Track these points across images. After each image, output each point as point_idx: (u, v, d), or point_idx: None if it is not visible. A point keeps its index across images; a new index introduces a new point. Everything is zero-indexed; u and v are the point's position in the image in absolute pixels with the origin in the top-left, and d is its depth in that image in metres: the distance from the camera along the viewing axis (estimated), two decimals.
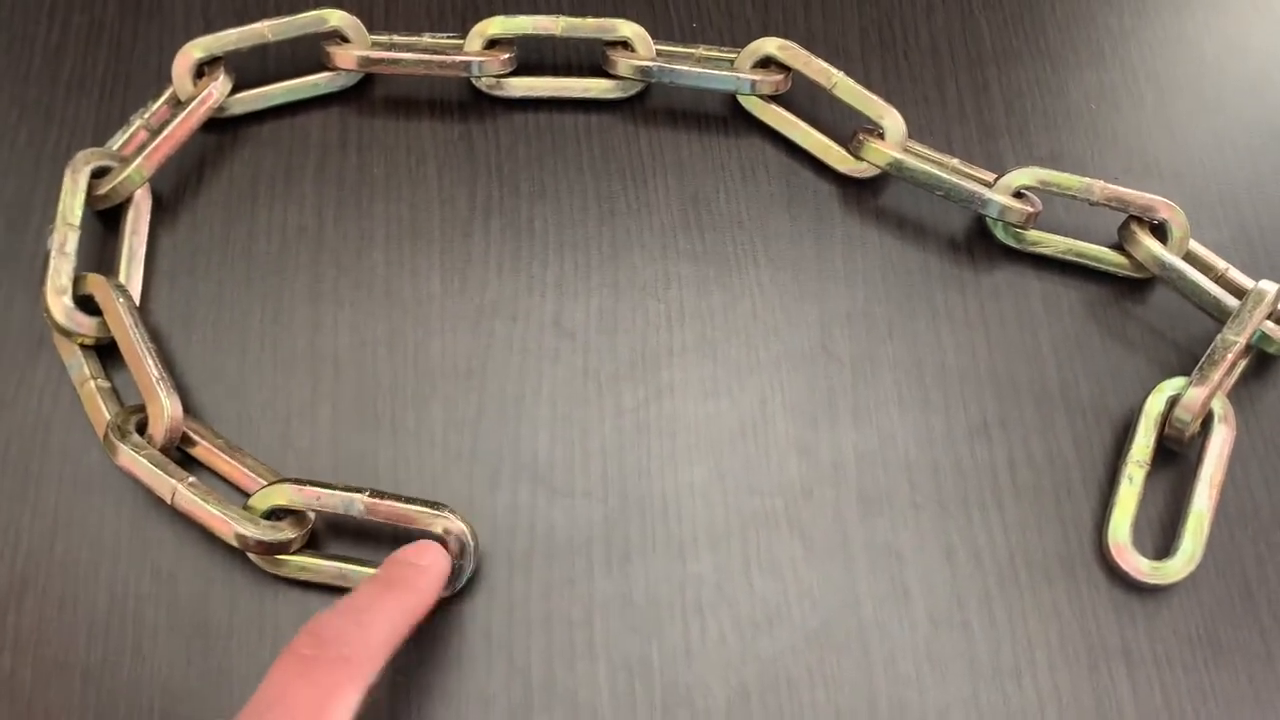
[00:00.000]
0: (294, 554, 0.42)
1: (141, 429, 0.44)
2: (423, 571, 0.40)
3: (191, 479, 0.42)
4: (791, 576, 0.44)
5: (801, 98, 0.53)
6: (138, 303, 0.46)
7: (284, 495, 0.42)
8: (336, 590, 0.43)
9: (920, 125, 0.53)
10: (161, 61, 0.53)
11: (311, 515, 0.43)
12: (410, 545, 0.41)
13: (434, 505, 0.42)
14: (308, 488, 0.42)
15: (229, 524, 0.41)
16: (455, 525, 0.42)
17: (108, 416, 0.44)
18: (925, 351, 0.48)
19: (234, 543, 0.41)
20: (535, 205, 0.51)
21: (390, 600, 0.37)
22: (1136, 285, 0.50)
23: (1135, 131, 0.54)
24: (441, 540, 0.42)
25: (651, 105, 0.53)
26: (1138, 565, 0.44)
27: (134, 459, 0.42)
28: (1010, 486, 0.46)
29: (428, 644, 0.42)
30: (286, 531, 0.42)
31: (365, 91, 0.53)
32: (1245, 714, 0.43)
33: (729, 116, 0.53)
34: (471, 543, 0.42)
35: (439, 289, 0.49)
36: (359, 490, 0.42)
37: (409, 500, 0.42)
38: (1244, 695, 0.43)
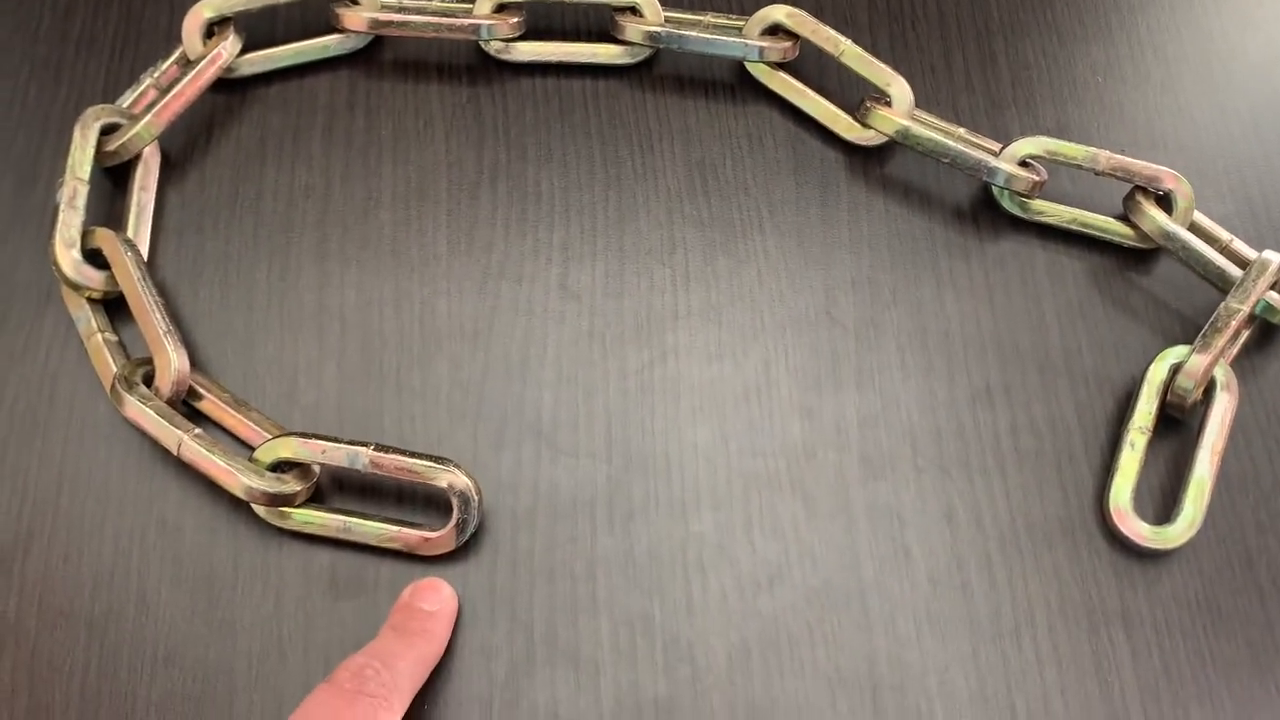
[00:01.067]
0: (298, 507, 0.43)
1: (148, 381, 0.44)
2: (438, 618, 0.41)
3: (198, 431, 0.42)
4: (793, 537, 0.44)
5: (809, 66, 0.53)
6: (146, 259, 0.47)
7: (289, 448, 0.42)
8: (340, 544, 0.43)
9: (927, 95, 0.53)
10: (171, 21, 0.53)
11: (316, 469, 0.43)
12: (422, 584, 0.42)
13: (438, 460, 0.42)
14: (313, 441, 0.42)
15: (235, 476, 0.41)
16: (459, 480, 0.42)
17: (114, 369, 0.44)
18: (929, 318, 0.48)
19: (240, 494, 0.42)
20: (542, 169, 0.51)
21: (414, 649, 0.40)
22: (1141, 256, 0.50)
23: (1141, 105, 0.54)
24: (445, 496, 0.42)
25: (659, 71, 0.53)
26: (1138, 530, 0.44)
27: (141, 410, 0.42)
28: (1012, 451, 0.46)
29: None
30: (292, 484, 0.42)
31: (373, 54, 0.53)
32: (1243, 680, 0.43)
33: (736, 84, 0.53)
34: (475, 497, 0.42)
35: (445, 250, 0.49)
36: (364, 444, 0.42)
37: (414, 455, 0.42)
38: (1242, 661, 0.43)
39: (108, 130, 0.47)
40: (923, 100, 0.52)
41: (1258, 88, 0.54)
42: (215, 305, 0.47)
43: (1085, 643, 0.43)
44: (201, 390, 0.45)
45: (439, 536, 0.42)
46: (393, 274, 0.48)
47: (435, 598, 0.42)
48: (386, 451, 0.42)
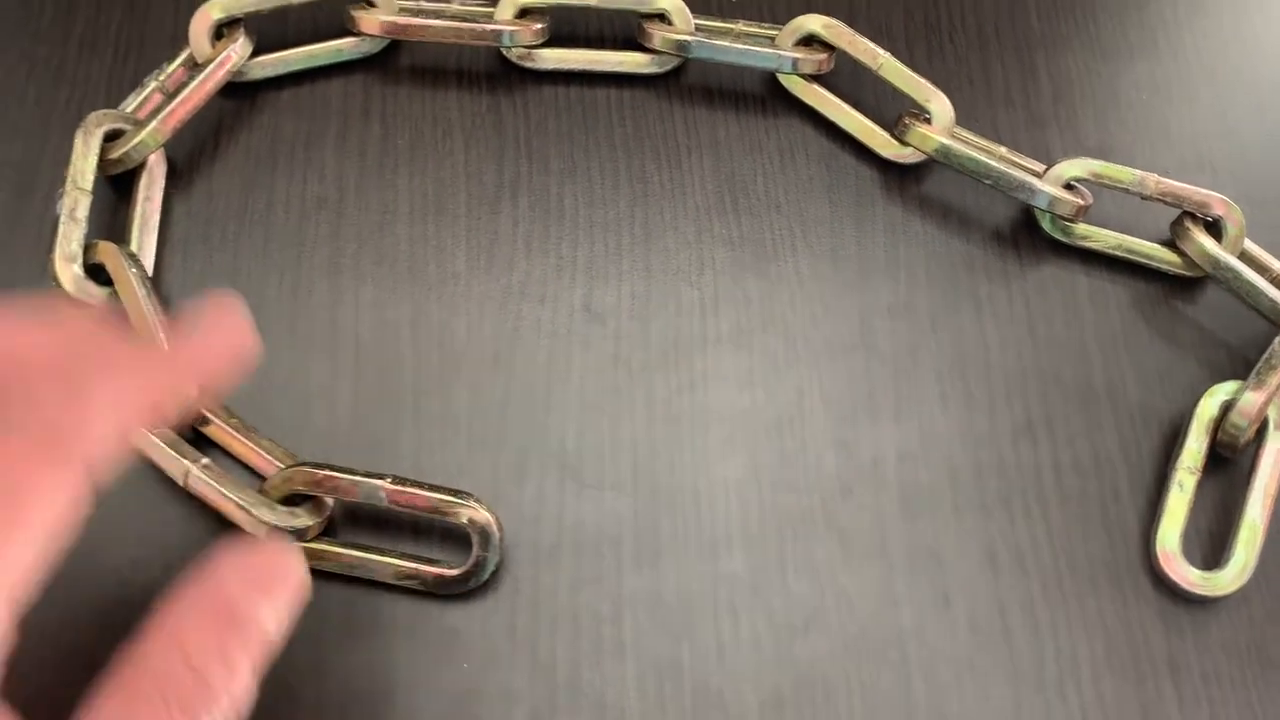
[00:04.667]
0: (310, 541, 0.41)
1: None
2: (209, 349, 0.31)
3: (205, 460, 0.40)
4: (829, 578, 0.42)
5: (842, 78, 0.51)
6: (150, 273, 0.44)
7: (302, 479, 0.40)
8: (353, 580, 0.41)
9: (965, 110, 0.51)
10: (177, 21, 0.50)
11: (330, 501, 0.41)
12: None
13: (459, 494, 0.40)
14: (327, 472, 0.40)
15: (245, 510, 0.39)
16: (480, 515, 0.40)
17: None
18: (969, 347, 0.46)
19: (251, 530, 0.39)
20: (565, 183, 0.49)
21: (138, 374, 0.28)
22: (1187, 284, 0.48)
23: (1188, 125, 0.52)
24: (464, 534, 0.40)
25: (687, 81, 0.51)
26: (1187, 576, 0.42)
27: (145, 438, 0.40)
28: (1055, 490, 0.44)
29: (449, 638, 0.41)
30: (304, 518, 0.40)
31: (389, 58, 0.50)
32: None
33: (767, 96, 0.51)
34: (497, 534, 0.40)
35: (464, 267, 0.47)
36: (380, 476, 0.40)
37: (433, 488, 0.40)
38: None
39: (111, 137, 0.45)
40: (961, 116, 0.50)
41: None
42: None
43: (1131, 693, 0.41)
44: (209, 414, 0.42)
45: (457, 575, 0.40)
46: (410, 292, 0.46)
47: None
48: (405, 485, 0.40)
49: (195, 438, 0.43)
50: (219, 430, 0.42)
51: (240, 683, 0.27)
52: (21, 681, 0.39)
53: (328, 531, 0.42)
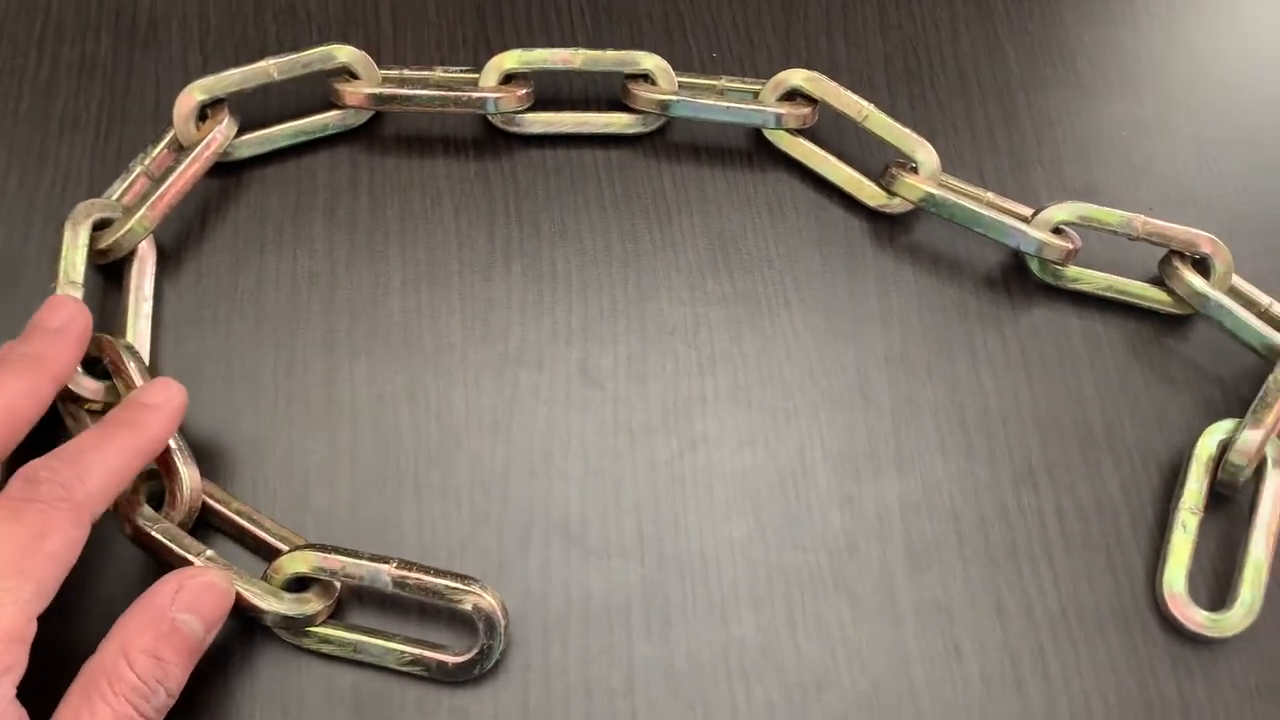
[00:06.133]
0: (319, 625, 0.40)
1: (154, 497, 0.41)
2: (151, 409, 0.38)
3: (210, 552, 0.40)
4: (839, 637, 0.42)
5: (826, 129, 0.51)
6: (146, 362, 0.44)
7: (306, 562, 0.40)
8: (354, 664, 0.41)
9: (950, 157, 0.51)
10: (159, 97, 0.50)
11: (338, 585, 0.41)
12: (146, 384, 0.40)
13: (463, 579, 0.40)
14: (331, 555, 0.40)
15: (251, 600, 0.39)
16: (485, 602, 0.40)
17: None
18: (966, 395, 0.47)
19: (261, 620, 0.39)
20: (557, 246, 0.49)
21: (114, 440, 0.37)
22: (1177, 321, 0.49)
23: (1169, 161, 0.52)
24: (469, 618, 0.40)
25: (673, 139, 0.51)
26: (1194, 617, 0.42)
27: (148, 534, 0.39)
28: (1059, 536, 0.44)
29: (459, 718, 0.40)
30: (314, 603, 0.40)
31: (374, 128, 0.50)
32: None
33: (753, 150, 0.51)
34: (502, 621, 0.40)
35: (460, 337, 0.47)
36: (386, 560, 0.40)
37: (437, 573, 0.40)
38: None
39: (99, 226, 0.45)
40: (946, 162, 0.50)
41: None
42: (219, 405, 0.45)
43: None
44: (209, 500, 0.42)
45: (462, 662, 0.40)
46: (405, 365, 0.46)
47: (163, 394, 0.39)
48: (410, 569, 0.40)
49: (201, 523, 0.42)
50: (219, 514, 0.42)
51: (172, 677, 0.35)
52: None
53: (335, 610, 0.41)
